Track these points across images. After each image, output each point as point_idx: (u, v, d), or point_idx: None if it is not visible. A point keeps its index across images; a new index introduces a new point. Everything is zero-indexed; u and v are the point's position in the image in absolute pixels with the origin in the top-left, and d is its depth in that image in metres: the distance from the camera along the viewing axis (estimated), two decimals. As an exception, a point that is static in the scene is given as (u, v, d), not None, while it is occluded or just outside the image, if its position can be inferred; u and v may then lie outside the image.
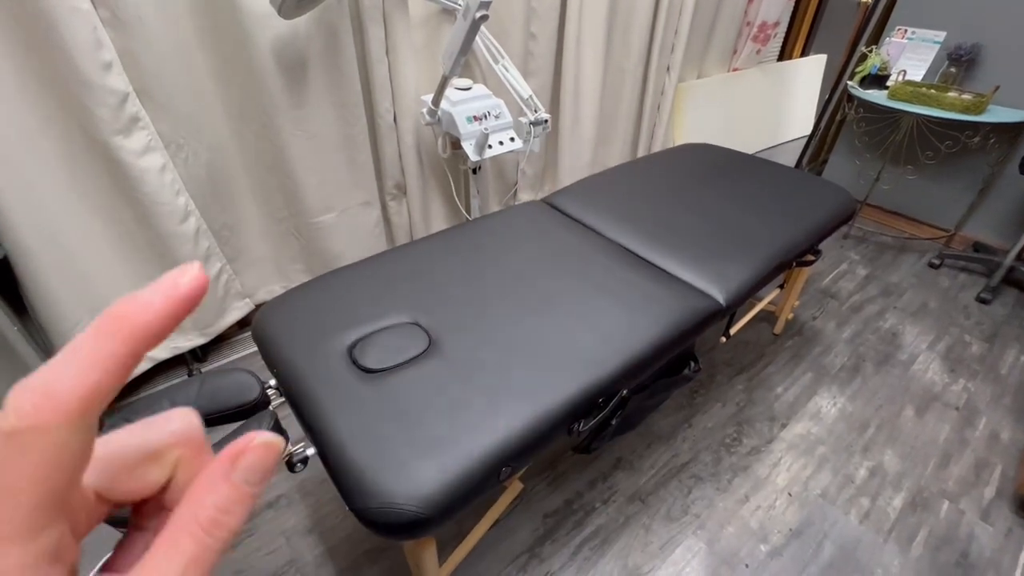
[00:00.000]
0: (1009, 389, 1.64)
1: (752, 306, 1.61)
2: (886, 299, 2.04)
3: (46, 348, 1.30)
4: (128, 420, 0.75)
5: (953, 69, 2.09)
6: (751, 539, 1.21)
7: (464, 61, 1.45)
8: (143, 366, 1.49)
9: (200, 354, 1.66)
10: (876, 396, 1.60)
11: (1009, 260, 2.01)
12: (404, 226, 1.94)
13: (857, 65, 2.28)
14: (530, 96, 1.62)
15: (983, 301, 2.03)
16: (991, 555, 1.20)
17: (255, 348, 0.99)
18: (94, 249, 1.30)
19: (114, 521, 0.21)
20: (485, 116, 1.61)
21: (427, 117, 1.63)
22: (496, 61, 1.63)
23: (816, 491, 1.32)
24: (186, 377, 1.60)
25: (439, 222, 2.04)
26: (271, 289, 1.73)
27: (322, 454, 0.77)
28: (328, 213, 1.67)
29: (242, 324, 1.72)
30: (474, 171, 1.80)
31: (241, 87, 1.37)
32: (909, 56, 2.21)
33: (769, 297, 1.67)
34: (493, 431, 0.76)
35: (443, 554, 1.06)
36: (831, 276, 2.16)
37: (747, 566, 1.16)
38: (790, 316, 1.83)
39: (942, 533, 1.24)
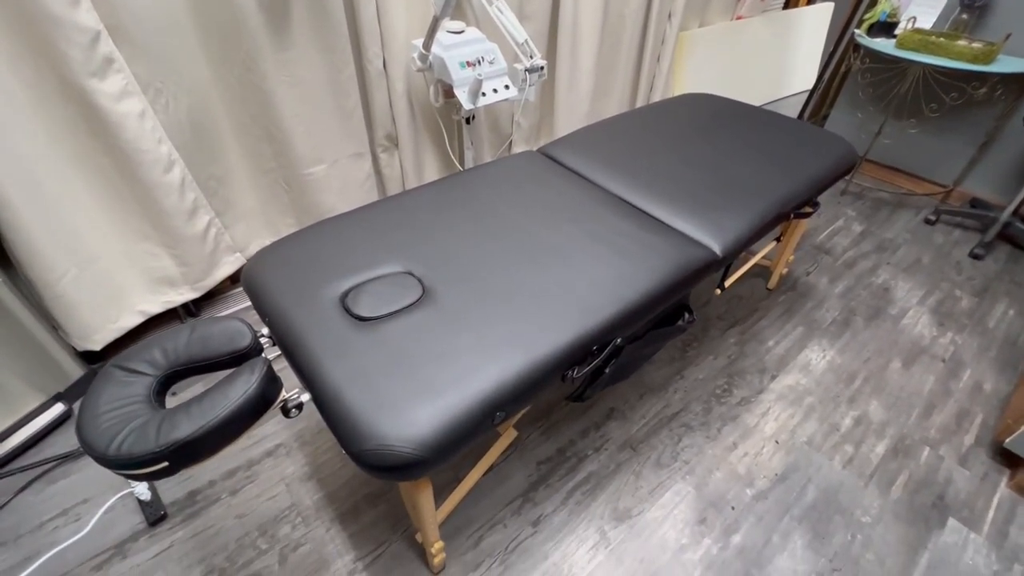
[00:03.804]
0: (995, 342, 1.67)
1: (747, 260, 1.61)
2: (880, 255, 2.04)
3: (32, 300, 1.28)
4: (119, 367, 0.74)
5: (965, 16, 2.02)
6: (738, 483, 1.25)
7: (456, 2, 1.38)
8: (135, 319, 1.48)
9: (193, 308, 1.65)
10: (865, 349, 1.63)
11: (1005, 215, 2.00)
12: (396, 179, 1.90)
13: (866, 12, 2.19)
14: (525, 41, 1.55)
15: (976, 257, 2.03)
16: (966, 497, 1.25)
17: (249, 303, 0.98)
18: (76, 200, 1.26)
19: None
20: (479, 62, 1.54)
21: (418, 62, 1.56)
22: (490, 3, 1.54)
23: (802, 439, 1.36)
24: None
25: (432, 175, 2.00)
26: (262, 243, 1.71)
27: (317, 399, 0.77)
28: (318, 165, 1.63)
29: (234, 279, 1.70)
30: (467, 121, 1.75)
31: (221, 27, 1.30)
32: (920, 2, 2.12)
33: (764, 251, 1.67)
34: (487, 376, 0.76)
35: (439, 498, 1.09)
36: (826, 232, 2.16)
37: (733, 508, 1.20)
38: (784, 271, 1.83)
39: (921, 477, 1.28)
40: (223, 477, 1.23)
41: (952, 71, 1.92)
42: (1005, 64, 1.89)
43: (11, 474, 1.23)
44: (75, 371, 1.38)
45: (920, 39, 1.93)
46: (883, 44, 2.04)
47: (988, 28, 2.02)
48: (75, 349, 1.39)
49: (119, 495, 1.19)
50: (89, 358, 1.44)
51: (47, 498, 1.19)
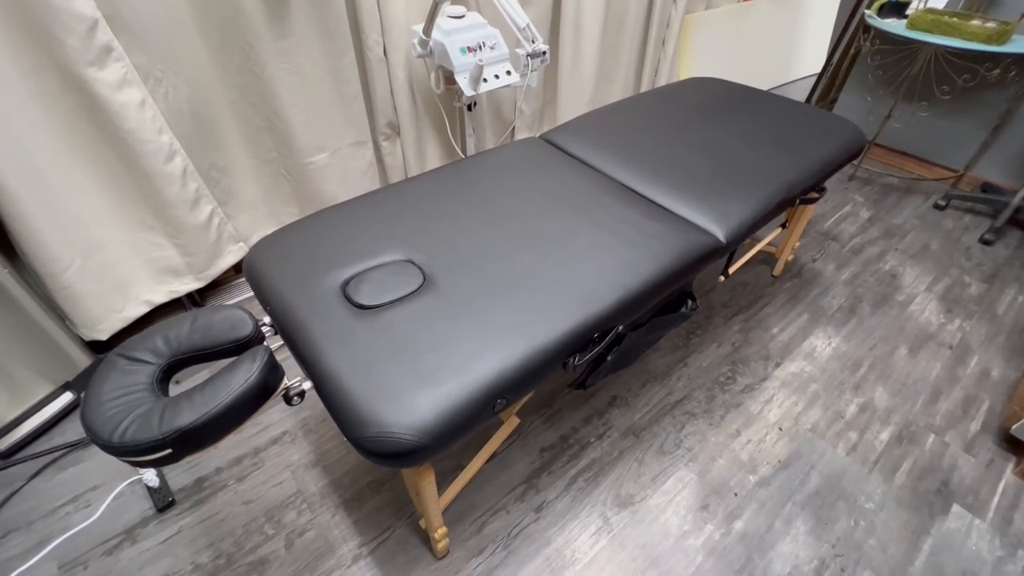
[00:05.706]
0: (1004, 328, 1.65)
1: (752, 246, 1.60)
2: (888, 241, 2.01)
3: (39, 290, 1.29)
4: (122, 355, 0.75)
5: (979, -6, 1.96)
6: (741, 470, 1.25)
7: (456, -15, 1.36)
8: (141, 309, 1.49)
9: (198, 298, 1.66)
10: (871, 336, 1.61)
11: (1017, 200, 1.97)
12: (398, 167, 1.89)
13: (876, -9, 2.14)
14: (527, 25, 1.53)
15: (986, 242, 2.00)
16: (971, 484, 1.24)
17: (253, 293, 0.98)
18: (78, 190, 1.26)
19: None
20: (480, 47, 1.52)
21: (418, 48, 1.54)
22: (491, -14, 1.52)
23: (806, 426, 1.35)
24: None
25: (434, 162, 1.99)
26: (265, 232, 1.71)
27: (318, 387, 0.77)
28: (319, 153, 1.62)
29: (238, 269, 1.71)
30: (469, 108, 1.73)
31: (219, 15, 1.29)
32: (933, -20, 2.07)
33: (769, 237, 1.65)
34: (487, 363, 0.76)
35: (443, 485, 1.10)
36: (833, 218, 2.13)
37: (736, 495, 1.21)
38: (790, 258, 1.81)
39: (926, 464, 1.28)
40: (230, 464, 1.25)
41: (965, 52, 1.87)
42: (1020, 44, 1.84)
43: (23, 461, 1.25)
44: (83, 360, 1.40)
45: (933, 19, 1.89)
46: (894, 25, 1.99)
47: (1003, 7, 1.97)
48: (82, 339, 1.40)
49: (128, 482, 1.21)
50: (96, 347, 1.46)
51: (58, 485, 1.21)
